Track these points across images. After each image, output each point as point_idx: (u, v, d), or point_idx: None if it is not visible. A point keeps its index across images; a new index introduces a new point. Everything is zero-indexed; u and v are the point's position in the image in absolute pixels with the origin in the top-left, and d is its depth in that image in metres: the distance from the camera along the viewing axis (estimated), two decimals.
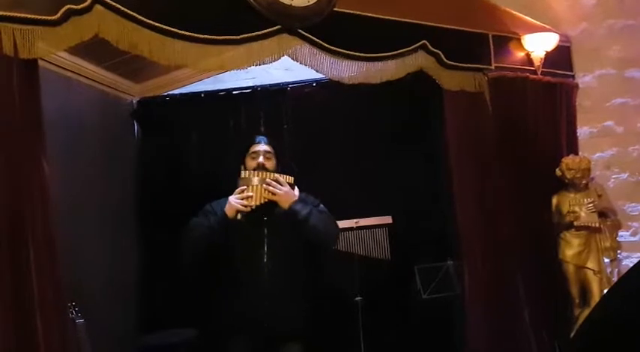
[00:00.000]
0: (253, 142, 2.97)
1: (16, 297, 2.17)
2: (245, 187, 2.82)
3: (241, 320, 2.75)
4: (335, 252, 3.72)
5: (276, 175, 2.88)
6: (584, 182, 3.60)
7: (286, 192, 2.84)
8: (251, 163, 2.93)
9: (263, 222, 2.85)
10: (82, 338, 2.79)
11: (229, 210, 2.80)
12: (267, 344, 2.78)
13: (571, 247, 3.57)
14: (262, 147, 2.96)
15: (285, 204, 2.84)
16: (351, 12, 3.13)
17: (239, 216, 2.79)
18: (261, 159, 2.93)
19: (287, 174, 2.94)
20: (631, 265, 1.31)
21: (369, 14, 3.20)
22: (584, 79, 4.09)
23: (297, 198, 2.87)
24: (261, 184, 2.82)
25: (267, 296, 2.77)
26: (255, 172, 2.86)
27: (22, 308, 2.18)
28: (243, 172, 2.87)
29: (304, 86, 4.32)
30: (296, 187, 2.94)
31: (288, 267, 2.85)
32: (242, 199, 2.79)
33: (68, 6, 2.32)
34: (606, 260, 3.63)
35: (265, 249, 2.82)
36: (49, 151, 2.37)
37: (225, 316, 2.80)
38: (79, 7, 2.35)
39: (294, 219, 2.83)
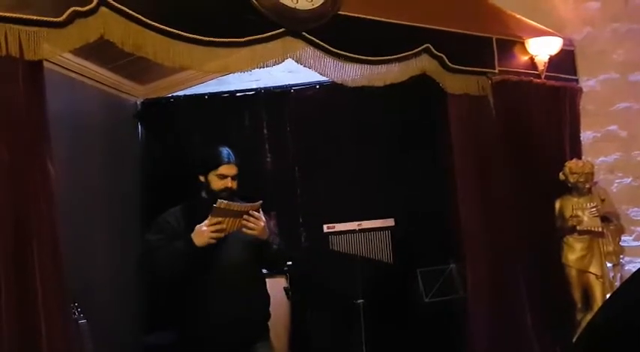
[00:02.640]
0: (222, 162, 2.77)
1: (19, 297, 2.17)
2: (220, 219, 2.63)
3: (219, 326, 2.70)
4: (337, 254, 3.73)
5: (250, 209, 2.69)
6: (587, 186, 3.59)
7: (262, 227, 2.72)
8: (217, 183, 2.76)
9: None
10: (85, 339, 2.80)
11: (200, 241, 2.63)
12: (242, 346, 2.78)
13: (574, 251, 3.57)
14: (232, 170, 2.79)
15: (263, 237, 2.75)
16: (355, 15, 3.14)
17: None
18: (229, 183, 2.77)
19: (250, 197, 2.79)
20: (634, 270, 1.31)
21: (373, 17, 3.20)
22: (588, 83, 4.09)
23: (269, 230, 2.80)
24: (237, 217, 2.67)
25: (240, 300, 2.74)
26: (232, 204, 2.66)
27: (25, 308, 2.18)
28: (219, 202, 2.63)
29: (308, 88, 4.34)
30: (261, 211, 2.78)
31: (252, 270, 2.85)
32: (214, 231, 2.64)
33: (74, 8, 2.33)
34: (609, 264, 3.62)
35: (231, 253, 2.75)
36: (54, 152, 2.38)
37: (203, 322, 2.73)
38: (85, 8, 2.36)
39: (267, 247, 2.80)
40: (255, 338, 2.81)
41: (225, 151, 2.83)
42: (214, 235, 2.64)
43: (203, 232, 2.64)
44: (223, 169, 2.78)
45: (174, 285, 2.78)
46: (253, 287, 2.84)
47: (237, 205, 2.69)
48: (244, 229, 2.70)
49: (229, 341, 2.71)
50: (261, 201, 2.76)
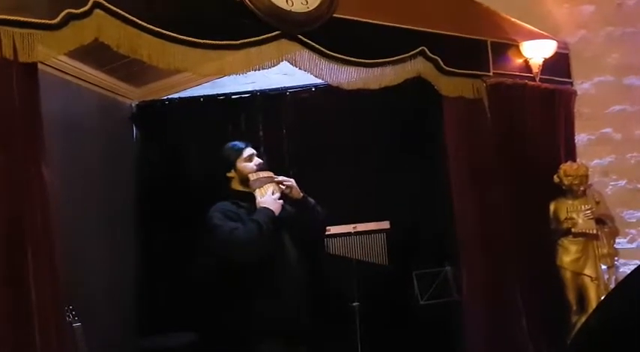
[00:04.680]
0: (243, 147, 2.95)
1: (14, 301, 2.17)
2: (272, 187, 2.84)
3: (276, 323, 2.73)
4: (333, 256, 3.73)
5: (272, 174, 2.91)
6: (581, 189, 3.61)
7: (294, 183, 2.92)
8: (249, 166, 2.90)
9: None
10: (79, 342, 2.79)
11: (275, 207, 2.78)
12: (293, 346, 2.82)
13: (568, 254, 3.58)
14: (253, 150, 2.97)
15: (298, 193, 2.92)
16: (351, 18, 3.14)
17: None
18: (258, 159, 2.94)
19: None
20: (628, 272, 1.31)
21: (369, 20, 3.21)
22: (583, 86, 4.11)
23: None
24: (273, 183, 2.86)
25: (294, 298, 2.81)
26: (260, 173, 2.88)
27: (19, 311, 2.18)
28: (253, 175, 2.85)
29: (303, 91, 4.33)
30: None
31: (301, 271, 2.91)
32: (276, 196, 2.80)
33: (68, 10, 2.32)
34: (603, 267, 3.63)
35: (287, 252, 2.84)
36: (48, 155, 2.37)
37: (258, 319, 2.73)
38: (79, 11, 2.35)
39: (305, 205, 2.93)
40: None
41: (239, 142, 2.98)
42: (281, 200, 2.80)
43: (274, 200, 2.79)
44: (247, 151, 2.93)
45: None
46: (304, 296, 2.87)
47: (264, 173, 2.88)
48: (287, 190, 2.87)
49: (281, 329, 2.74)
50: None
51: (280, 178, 2.90)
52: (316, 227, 3.10)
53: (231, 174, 2.92)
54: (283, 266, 2.80)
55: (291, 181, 2.92)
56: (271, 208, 2.77)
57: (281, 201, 2.83)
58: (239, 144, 2.97)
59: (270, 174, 2.90)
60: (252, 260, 2.69)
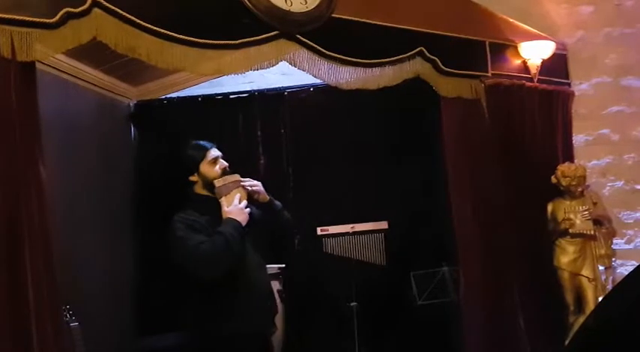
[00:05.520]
0: (208, 148, 2.79)
1: (11, 301, 2.16)
2: (238, 194, 2.73)
3: (252, 323, 2.72)
4: (330, 256, 3.73)
5: (238, 177, 2.79)
6: (579, 189, 3.61)
7: (261, 186, 2.83)
8: (212, 170, 2.75)
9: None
10: (77, 342, 2.78)
11: (242, 218, 2.68)
12: (264, 341, 2.84)
13: (566, 254, 3.58)
14: (218, 152, 2.81)
15: (265, 197, 2.83)
16: (349, 18, 3.14)
17: None
18: (224, 163, 2.80)
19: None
20: (625, 273, 1.32)
21: (367, 20, 3.21)
22: (581, 86, 4.11)
23: None
24: (239, 188, 2.75)
25: (267, 296, 2.83)
26: (226, 177, 2.74)
27: (17, 311, 2.17)
28: (219, 180, 2.71)
29: (302, 91, 4.33)
30: None
31: (265, 269, 2.93)
32: (242, 204, 2.71)
33: (66, 9, 2.32)
34: (601, 267, 3.64)
35: (249, 259, 2.76)
36: (46, 154, 2.37)
37: (235, 320, 2.70)
38: (78, 10, 2.35)
39: (272, 209, 2.85)
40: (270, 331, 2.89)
41: (200, 141, 2.83)
42: (247, 209, 2.70)
43: (240, 209, 2.68)
44: (212, 153, 2.78)
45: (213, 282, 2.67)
46: (269, 282, 2.90)
47: (230, 177, 2.75)
48: (255, 195, 2.77)
49: (255, 332, 2.74)
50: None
51: (247, 183, 2.78)
52: (283, 231, 3.01)
53: (194, 178, 2.78)
54: (245, 274, 2.70)
55: (259, 185, 2.82)
56: (238, 219, 2.66)
57: (248, 209, 2.72)
58: (204, 144, 2.81)
59: (237, 177, 2.77)
60: (219, 275, 2.59)
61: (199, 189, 2.79)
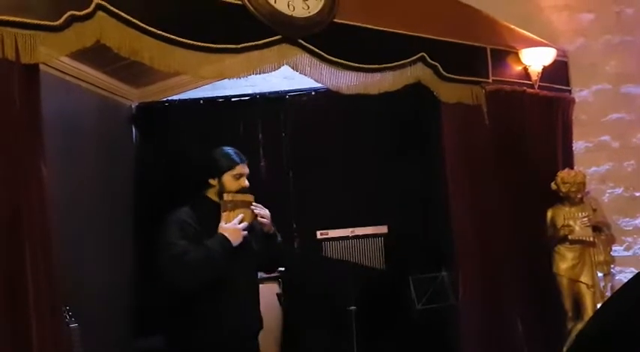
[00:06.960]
0: (238, 162, 2.72)
1: (11, 301, 2.17)
2: (242, 215, 2.66)
3: (234, 333, 2.69)
4: (330, 260, 3.74)
5: (251, 198, 2.73)
6: (579, 196, 3.62)
7: (269, 216, 2.78)
8: (233, 184, 2.70)
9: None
10: (76, 342, 2.78)
11: (235, 238, 2.61)
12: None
13: (565, 261, 3.59)
14: (246, 169, 2.75)
15: (270, 228, 2.79)
16: (351, 23, 3.16)
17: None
18: (244, 183, 2.73)
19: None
20: (624, 280, 1.32)
21: (369, 26, 3.22)
22: (581, 93, 4.13)
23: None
24: (247, 209, 2.68)
25: (251, 304, 2.79)
26: (237, 195, 2.69)
27: (16, 312, 2.18)
28: (228, 195, 2.66)
29: (303, 94, 4.34)
30: None
31: (255, 277, 2.91)
32: (241, 226, 2.65)
33: (71, 12, 2.33)
34: (600, 274, 3.64)
35: (243, 262, 2.72)
36: (48, 155, 2.37)
37: (214, 330, 2.66)
38: (82, 13, 2.36)
39: (273, 242, 2.82)
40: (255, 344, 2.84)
41: (236, 151, 2.77)
42: (245, 232, 2.64)
43: (236, 229, 2.62)
44: (240, 168, 2.72)
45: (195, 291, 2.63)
46: (257, 295, 2.85)
47: (241, 196, 2.69)
48: (259, 219, 2.72)
49: (238, 347, 2.70)
50: (252, 195, 2.75)
51: (257, 209, 2.72)
52: (274, 261, 3.01)
53: (214, 182, 2.73)
54: (232, 292, 2.65)
55: (267, 215, 2.75)
56: (230, 239, 2.59)
57: (245, 232, 2.64)
58: (236, 156, 2.74)
59: (249, 198, 2.71)
60: (195, 288, 2.57)
61: (212, 194, 2.76)
